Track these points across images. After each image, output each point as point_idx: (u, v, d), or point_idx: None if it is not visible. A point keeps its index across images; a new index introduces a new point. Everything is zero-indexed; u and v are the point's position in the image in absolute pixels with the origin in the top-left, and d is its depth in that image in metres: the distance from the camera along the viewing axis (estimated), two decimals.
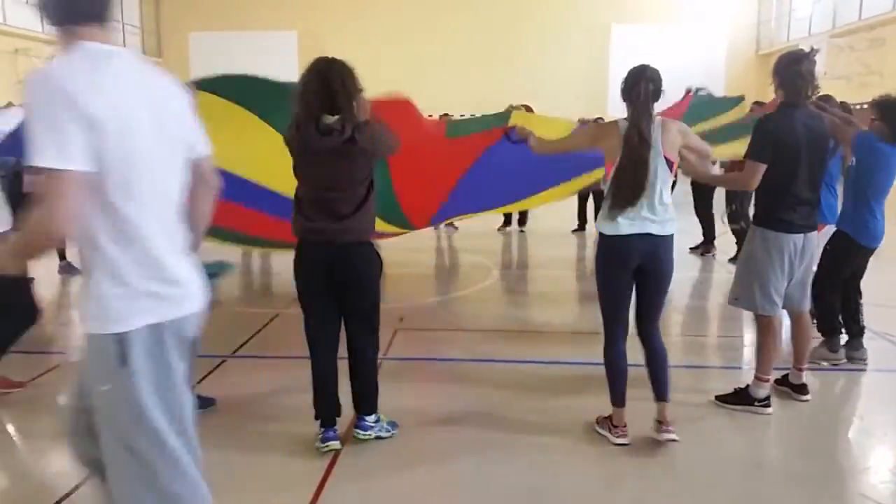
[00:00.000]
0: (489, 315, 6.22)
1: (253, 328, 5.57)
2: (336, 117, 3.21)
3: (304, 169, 3.34)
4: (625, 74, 3.44)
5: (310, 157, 3.27)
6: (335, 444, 3.48)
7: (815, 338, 4.68)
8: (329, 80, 3.21)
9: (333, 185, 3.29)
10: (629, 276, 3.47)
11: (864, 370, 4.69)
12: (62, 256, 7.49)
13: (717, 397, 4.09)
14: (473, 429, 3.78)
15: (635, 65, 3.44)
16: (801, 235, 3.80)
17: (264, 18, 28.01)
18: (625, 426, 3.57)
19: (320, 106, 3.22)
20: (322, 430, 3.51)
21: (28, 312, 4.29)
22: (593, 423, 3.73)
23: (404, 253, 8.25)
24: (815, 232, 3.92)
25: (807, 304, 4.14)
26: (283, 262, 8.45)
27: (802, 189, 3.73)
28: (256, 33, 27.91)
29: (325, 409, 3.52)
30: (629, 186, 3.31)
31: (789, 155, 3.67)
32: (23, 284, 4.22)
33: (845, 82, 19.22)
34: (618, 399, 3.58)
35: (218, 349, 4.94)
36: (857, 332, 4.77)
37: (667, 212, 3.40)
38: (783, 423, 3.94)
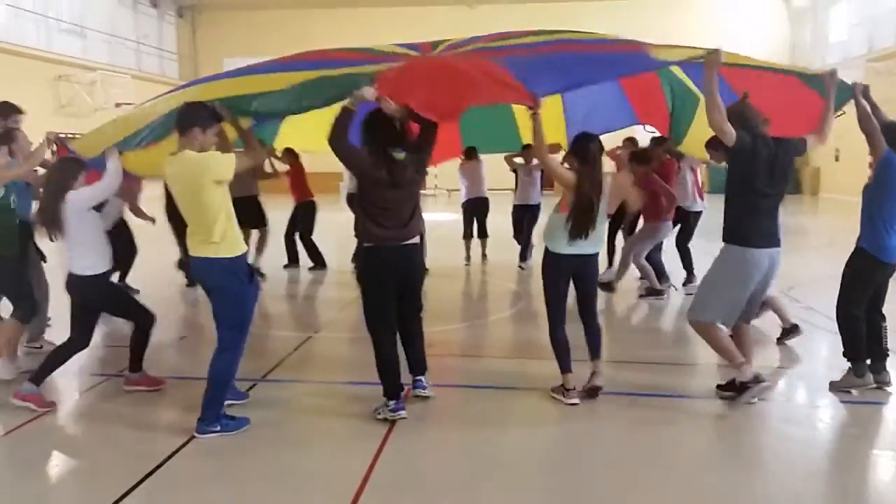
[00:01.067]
0: (514, 339, 6.15)
1: (283, 353, 5.56)
2: (403, 154, 4.02)
3: (378, 192, 4.05)
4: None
5: (384, 186, 4.02)
6: (404, 413, 4.08)
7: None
8: (392, 118, 3.98)
9: (400, 202, 4.09)
10: (567, 281, 4.47)
11: (889, 394, 4.58)
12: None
13: (719, 387, 4.50)
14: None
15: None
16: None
17: (294, 45, 28.29)
18: (573, 389, 4.39)
19: (388, 141, 4.01)
20: (393, 402, 4.10)
21: (148, 315, 4.69)
22: (549, 391, 4.49)
23: (436, 280, 8.21)
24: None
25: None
26: (312, 288, 8.52)
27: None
28: None
29: (395, 384, 4.16)
30: (582, 226, 4.28)
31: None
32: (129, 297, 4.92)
33: (887, 106, 18.93)
34: (566, 367, 4.45)
35: (247, 373, 4.95)
36: (880, 355, 4.65)
37: (598, 238, 4.43)
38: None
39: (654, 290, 7.53)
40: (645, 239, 7.43)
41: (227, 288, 3.88)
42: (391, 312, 4.22)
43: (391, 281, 4.14)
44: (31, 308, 4.98)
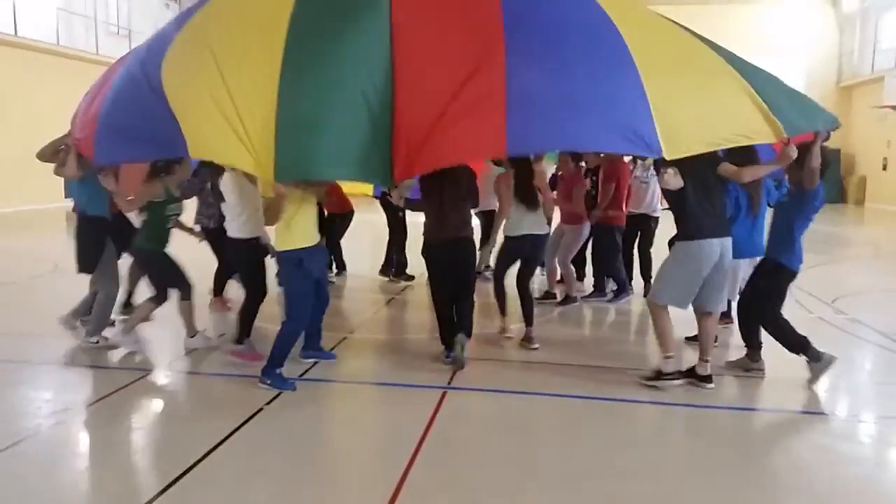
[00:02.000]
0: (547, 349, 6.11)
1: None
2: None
3: (435, 196, 5.14)
4: None
5: (440, 195, 5.10)
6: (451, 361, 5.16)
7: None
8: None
9: (455, 205, 5.16)
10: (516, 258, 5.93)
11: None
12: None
13: (644, 379, 4.86)
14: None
15: None
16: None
17: None
18: (507, 328, 6.00)
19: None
20: (448, 351, 5.21)
21: (260, 288, 5.30)
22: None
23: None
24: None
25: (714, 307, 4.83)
26: (345, 290, 8.57)
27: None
28: None
29: (450, 337, 5.19)
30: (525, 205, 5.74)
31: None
32: (258, 263, 5.32)
33: None
34: (503, 310, 6.00)
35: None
36: (756, 345, 5.18)
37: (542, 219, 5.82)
38: None
39: (569, 297, 7.41)
40: (569, 244, 7.36)
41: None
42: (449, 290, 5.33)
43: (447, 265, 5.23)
44: (164, 297, 5.46)
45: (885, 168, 23.21)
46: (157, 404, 4.63)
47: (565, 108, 4.19)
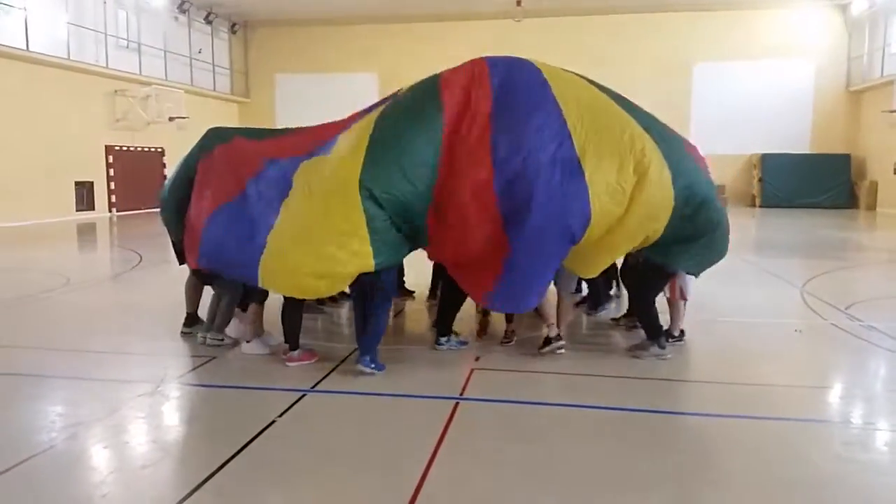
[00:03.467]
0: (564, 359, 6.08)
1: (331, 364, 5.60)
2: None
3: None
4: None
5: None
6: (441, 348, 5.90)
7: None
8: None
9: None
10: None
11: None
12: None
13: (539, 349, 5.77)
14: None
15: None
16: None
17: (345, 61, 28.94)
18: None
19: None
20: (448, 336, 5.99)
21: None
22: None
23: None
24: None
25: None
26: None
27: None
28: (338, 75, 28.87)
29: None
30: None
31: None
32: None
33: None
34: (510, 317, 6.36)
35: (297, 383, 5.01)
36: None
37: None
38: None
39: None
40: None
41: None
42: None
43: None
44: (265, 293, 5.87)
45: None
46: (169, 417, 4.63)
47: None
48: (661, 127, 5.64)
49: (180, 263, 6.27)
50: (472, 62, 5.68)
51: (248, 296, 5.85)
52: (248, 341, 5.77)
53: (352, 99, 30.69)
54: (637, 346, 5.87)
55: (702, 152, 5.98)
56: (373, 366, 5.28)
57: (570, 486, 3.54)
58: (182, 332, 6.33)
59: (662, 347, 5.67)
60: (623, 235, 5.26)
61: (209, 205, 5.50)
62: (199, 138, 6.02)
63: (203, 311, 6.29)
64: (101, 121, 21.53)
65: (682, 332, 6.11)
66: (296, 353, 5.54)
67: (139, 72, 23.28)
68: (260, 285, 5.30)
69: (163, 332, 6.39)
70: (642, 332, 5.95)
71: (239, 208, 5.35)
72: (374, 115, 5.51)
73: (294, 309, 5.57)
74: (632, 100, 5.75)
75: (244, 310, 5.98)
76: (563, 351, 5.71)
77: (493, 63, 5.62)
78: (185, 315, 6.45)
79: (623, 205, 5.08)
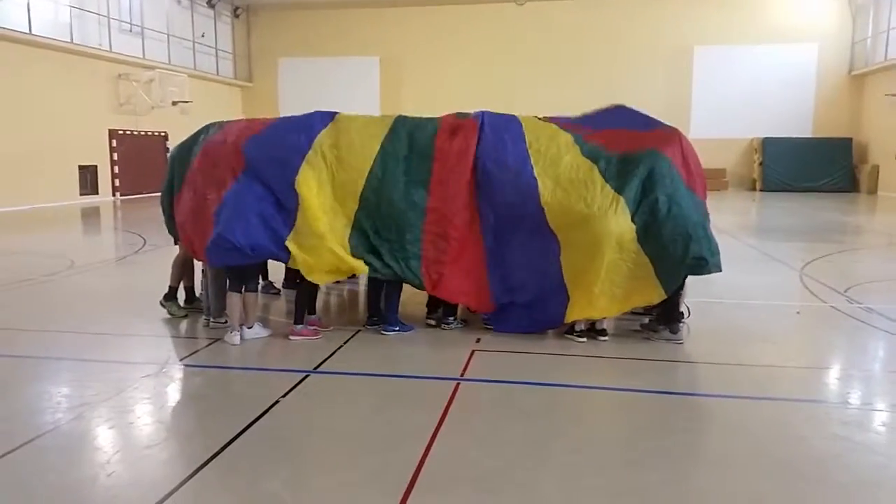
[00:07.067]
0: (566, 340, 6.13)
1: (334, 345, 5.65)
2: None
3: None
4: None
5: None
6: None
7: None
8: None
9: None
10: None
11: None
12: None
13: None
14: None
15: None
16: None
17: (348, 45, 28.83)
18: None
19: None
20: (451, 317, 6.16)
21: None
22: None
23: None
24: None
25: None
26: (363, 284, 8.59)
27: None
28: (341, 59, 28.78)
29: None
30: None
31: None
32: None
33: None
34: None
35: (299, 365, 5.06)
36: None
37: None
38: None
39: None
40: None
41: None
42: None
43: None
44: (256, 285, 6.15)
45: None
46: (174, 398, 4.69)
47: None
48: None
49: (175, 243, 6.52)
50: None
51: (237, 281, 5.83)
52: (249, 326, 5.83)
53: (354, 82, 30.71)
54: (648, 326, 5.94)
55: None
56: (396, 328, 5.88)
57: (569, 464, 3.59)
58: (160, 303, 6.50)
59: (675, 332, 5.75)
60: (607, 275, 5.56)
61: (215, 195, 5.70)
62: (197, 129, 6.31)
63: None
64: (104, 105, 21.51)
65: (681, 312, 6.15)
66: (298, 327, 5.80)
67: (142, 56, 23.22)
68: (290, 265, 5.74)
69: (166, 315, 6.45)
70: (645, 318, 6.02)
71: (248, 186, 5.64)
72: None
73: (311, 286, 5.93)
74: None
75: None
76: (584, 340, 5.74)
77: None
78: (184, 296, 6.67)
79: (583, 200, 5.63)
